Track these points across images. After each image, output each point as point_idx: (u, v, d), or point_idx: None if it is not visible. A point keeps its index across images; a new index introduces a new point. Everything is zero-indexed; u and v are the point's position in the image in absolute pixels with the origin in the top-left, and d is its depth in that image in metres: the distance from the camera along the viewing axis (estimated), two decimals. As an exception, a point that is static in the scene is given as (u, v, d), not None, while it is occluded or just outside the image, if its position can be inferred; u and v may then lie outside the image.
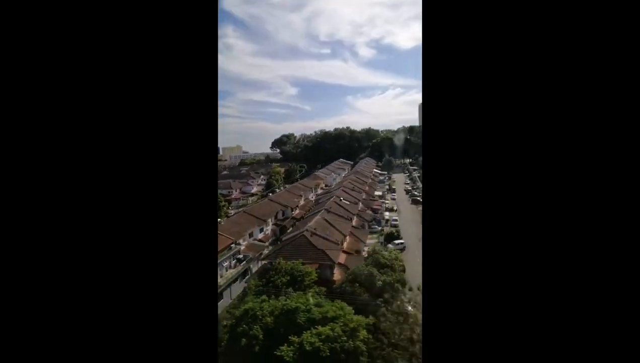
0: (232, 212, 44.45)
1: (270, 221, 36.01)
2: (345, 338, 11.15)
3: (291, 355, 11.15)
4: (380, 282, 17.65)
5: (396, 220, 41.93)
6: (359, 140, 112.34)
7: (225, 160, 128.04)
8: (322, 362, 10.67)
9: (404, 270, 26.85)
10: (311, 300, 13.43)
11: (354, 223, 36.27)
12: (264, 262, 25.78)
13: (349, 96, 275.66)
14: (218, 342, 12.88)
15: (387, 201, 53.15)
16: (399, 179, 76.56)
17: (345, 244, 29.33)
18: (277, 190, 58.47)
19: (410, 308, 14.03)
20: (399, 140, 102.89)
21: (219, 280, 22.99)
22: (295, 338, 11.71)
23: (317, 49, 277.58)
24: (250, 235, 30.79)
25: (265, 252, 28.79)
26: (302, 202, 46.14)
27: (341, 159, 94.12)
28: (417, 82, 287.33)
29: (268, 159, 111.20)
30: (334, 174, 70.93)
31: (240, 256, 26.87)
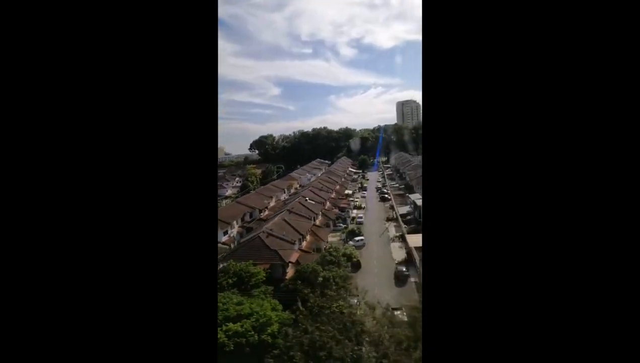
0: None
1: (236, 223, 36.60)
2: (252, 332, 12.19)
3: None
4: (320, 278, 18.69)
5: (361, 217, 43.19)
6: (336, 140, 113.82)
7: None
8: (224, 355, 11.62)
9: (359, 266, 28.14)
10: (234, 299, 14.38)
11: (317, 222, 37.35)
12: (222, 265, 26.46)
13: (332, 95, 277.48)
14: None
15: (357, 199, 54.45)
16: (373, 177, 78.25)
17: (304, 243, 30.35)
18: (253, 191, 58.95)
19: (341, 302, 15.09)
20: (375, 139, 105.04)
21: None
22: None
23: (299, 49, 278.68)
24: (214, 238, 31.25)
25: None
26: (272, 204, 46.84)
27: (318, 159, 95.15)
28: (398, 81, 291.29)
29: (246, 161, 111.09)
30: (309, 174, 71.81)
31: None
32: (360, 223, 41.54)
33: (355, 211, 47.17)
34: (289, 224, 29.91)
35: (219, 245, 31.47)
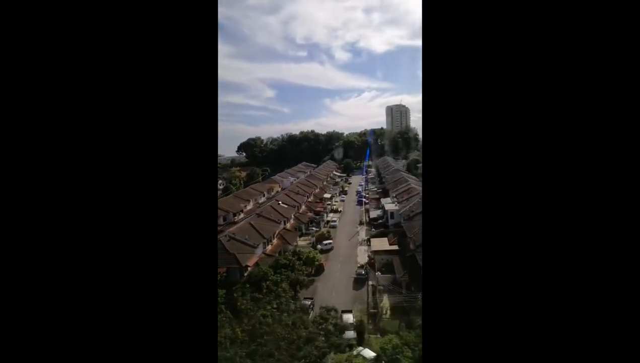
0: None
1: (208, 227, 36.66)
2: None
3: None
4: (268, 282, 19.00)
5: (335, 221, 43.59)
6: (323, 143, 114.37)
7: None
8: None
9: (322, 269, 28.50)
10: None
11: (288, 226, 37.66)
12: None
13: (326, 99, 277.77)
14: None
15: (335, 203, 54.86)
16: (357, 181, 78.71)
17: (269, 247, 30.64)
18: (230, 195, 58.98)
19: (275, 306, 15.41)
20: (363, 143, 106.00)
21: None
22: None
23: (294, 52, 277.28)
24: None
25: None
26: (250, 207, 46.97)
27: (304, 162, 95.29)
28: (392, 85, 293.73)
29: (233, 163, 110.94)
30: (292, 178, 71.90)
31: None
32: (334, 226, 41.94)
33: (331, 214, 47.54)
34: (254, 228, 30.18)
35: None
